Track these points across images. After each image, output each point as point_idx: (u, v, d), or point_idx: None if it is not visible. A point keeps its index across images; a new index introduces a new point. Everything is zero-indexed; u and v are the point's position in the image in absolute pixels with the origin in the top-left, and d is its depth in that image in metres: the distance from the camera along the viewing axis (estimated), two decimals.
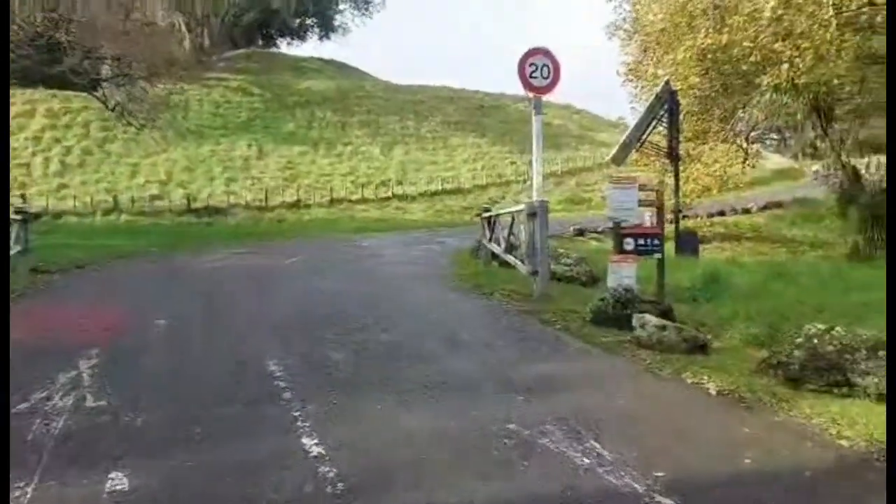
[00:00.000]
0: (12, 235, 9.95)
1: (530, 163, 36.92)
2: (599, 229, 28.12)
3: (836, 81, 17.49)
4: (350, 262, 13.96)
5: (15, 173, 35.59)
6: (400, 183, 41.69)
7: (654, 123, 15.19)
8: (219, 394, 4.77)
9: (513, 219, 10.14)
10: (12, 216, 10.33)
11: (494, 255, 12.02)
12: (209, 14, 59.20)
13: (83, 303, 8.90)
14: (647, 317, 6.46)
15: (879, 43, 18.12)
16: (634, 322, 6.46)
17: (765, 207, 36.32)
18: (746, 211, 35.35)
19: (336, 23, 71.23)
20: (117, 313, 7.86)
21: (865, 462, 3.79)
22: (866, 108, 19.35)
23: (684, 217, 29.92)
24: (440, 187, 41.56)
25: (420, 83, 61.00)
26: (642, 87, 25.83)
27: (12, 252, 9.84)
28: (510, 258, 10.19)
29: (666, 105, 14.27)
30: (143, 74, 36.54)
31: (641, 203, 9.18)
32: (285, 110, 50.15)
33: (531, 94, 9.10)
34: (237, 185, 37.99)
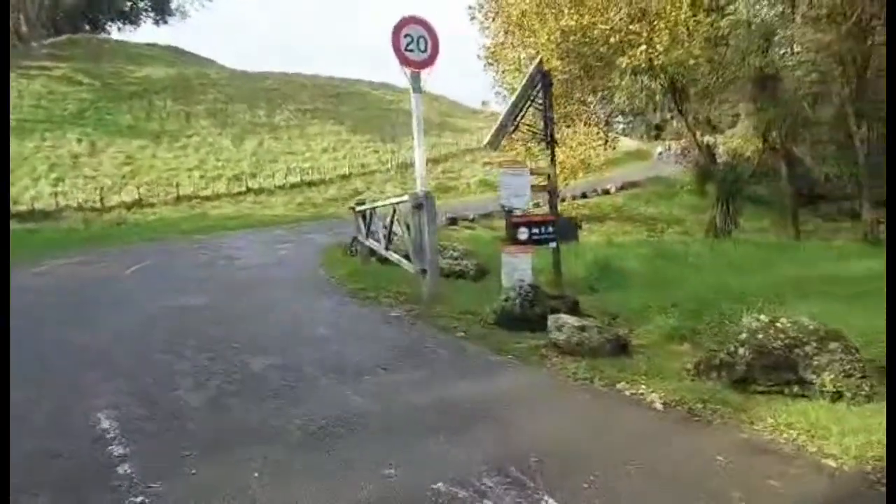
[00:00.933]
0: None
1: (393, 151, 35.99)
2: (471, 217, 27.76)
3: (691, 62, 17.99)
4: (204, 268, 12.24)
5: None
6: (255, 176, 39.11)
7: (527, 105, 14.63)
8: (26, 473, 3.34)
9: (394, 211, 9.06)
10: None
11: (373, 252, 10.90)
12: None
13: None
14: (564, 317, 5.67)
15: (727, 23, 18.94)
16: (550, 324, 5.65)
17: (622, 188, 37.75)
18: (606, 192, 36.54)
19: (173, 5, 66.14)
20: None
21: (866, 484, 3.18)
22: (715, 88, 20.22)
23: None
24: (300, 179, 39.49)
25: (268, 70, 58.04)
26: (503, 71, 25.61)
27: None
28: (392, 255, 9.13)
29: (539, 86, 13.72)
30: None
31: (534, 188, 8.49)
32: (120, 101, 45.56)
33: (408, 70, 8.03)
34: (67, 185, 33.79)
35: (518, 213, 8.02)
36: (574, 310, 6.68)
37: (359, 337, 6.21)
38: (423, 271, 7.97)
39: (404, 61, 7.97)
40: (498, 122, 16.50)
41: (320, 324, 6.71)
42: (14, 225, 27.00)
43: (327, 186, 40.07)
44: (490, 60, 25.67)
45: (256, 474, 3.30)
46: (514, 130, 17.79)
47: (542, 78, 13.64)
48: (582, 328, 5.47)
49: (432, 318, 6.86)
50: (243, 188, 37.11)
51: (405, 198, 8.50)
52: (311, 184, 39.84)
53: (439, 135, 53.69)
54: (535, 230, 7.95)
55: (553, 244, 8.23)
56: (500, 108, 28.78)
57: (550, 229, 8.09)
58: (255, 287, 9.62)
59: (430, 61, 8.18)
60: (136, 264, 12.88)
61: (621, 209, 35.18)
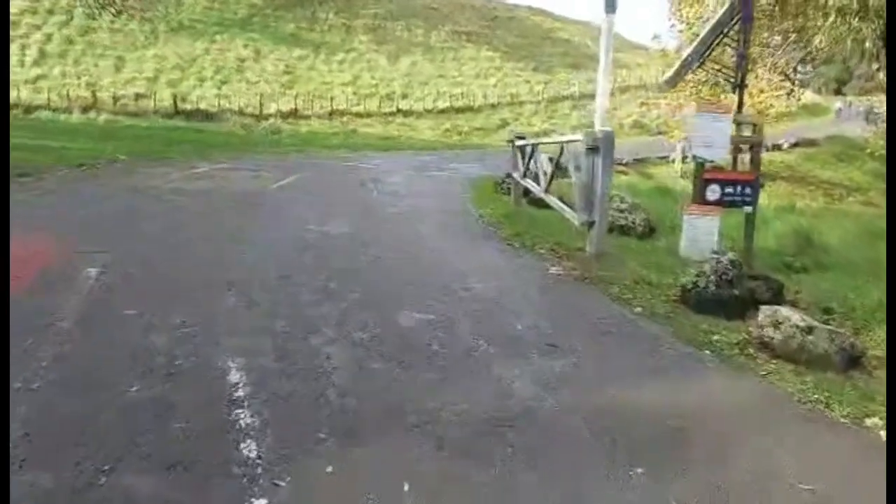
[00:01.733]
0: None
1: (545, 83, 34.16)
2: (623, 161, 25.86)
3: None
4: (352, 191, 11.81)
5: None
6: (405, 97, 38.87)
7: (719, 39, 12.72)
8: (126, 445, 2.81)
9: (561, 150, 7.98)
10: None
11: (526, 192, 9.93)
12: None
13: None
14: (784, 311, 4.48)
15: None
16: (763, 317, 4.49)
17: (795, 144, 33.86)
18: (777, 147, 32.88)
19: None
20: (35, 252, 5.85)
21: None
22: None
23: None
24: (449, 104, 38.78)
25: None
26: (682, 2, 23.01)
27: None
28: (552, 200, 8.10)
29: (737, 18, 11.78)
30: None
31: (735, 140, 7.10)
32: (286, 9, 46.49)
33: None
34: (230, 89, 35.14)
35: (709, 165, 6.73)
36: (778, 296, 5.43)
37: (517, 298, 5.35)
38: (590, 224, 6.92)
39: None
40: (683, 57, 14.65)
41: (473, 274, 5.91)
42: (180, 122, 28.48)
43: (475, 114, 39.13)
44: None
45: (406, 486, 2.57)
46: (698, 67, 15.85)
47: (745, 8, 11.69)
48: (808, 329, 4.28)
49: (601, 282, 5.86)
50: (393, 109, 36.99)
51: (578, 136, 7.38)
52: (459, 110, 39.07)
53: (594, 68, 50.69)
54: (729, 189, 6.65)
55: (748, 208, 6.88)
56: (669, 43, 26.22)
57: (748, 190, 6.74)
58: (404, 220, 8.97)
59: None
60: (286, 178, 12.69)
61: (794, 169, 31.61)
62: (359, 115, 35.70)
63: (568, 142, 7.93)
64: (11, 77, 30.85)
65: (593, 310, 5.15)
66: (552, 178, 8.33)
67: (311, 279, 5.38)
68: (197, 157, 16.41)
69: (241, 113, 32.17)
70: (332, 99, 35.70)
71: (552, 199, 8.11)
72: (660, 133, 43.01)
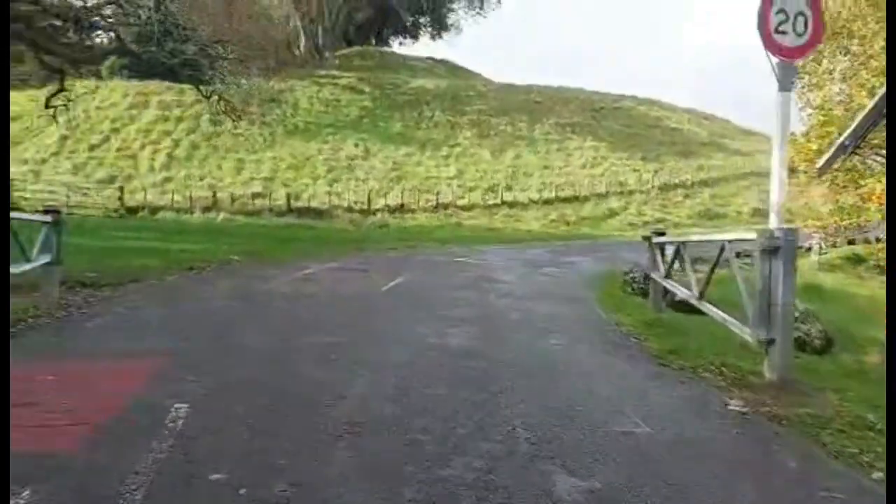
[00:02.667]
0: (38, 241, 7.62)
1: (655, 171, 32.82)
2: (747, 252, 23.74)
3: None
4: (466, 293, 10.95)
5: (122, 165, 35.45)
6: (510, 188, 38.58)
7: (876, 123, 11.31)
8: None
9: (721, 250, 6.76)
10: (38, 216, 8.05)
11: (665, 292, 8.68)
12: (325, 11, 58.83)
13: (103, 347, 6.38)
14: None
15: None
16: None
17: None
18: None
19: (449, 21, 69.14)
20: (114, 379, 5.22)
21: None
22: None
23: (852, 241, 25.20)
24: (554, 194, 38.08)
25: (533, 83, 57.67)
26: (806, 86, 21.47)
27: (38, 263, 7.52)
28: (712, 310, 6.82)
29: None
30: (259, 70, 35.71)
31: None
32: (394, 109, 48.27)
33: (776, 58, 5.72)
34: (341, 186, 36.13)
35: None
36: None
37: (703, 453, 4.09)
38: (769, 342, 5.59)
39: (772, 47, 5.68)
40: (837, 142, 13.20)
41: (632, 411, 4.71)
42: (292, 220, 29.20)
43: (581, 204, 38.16)
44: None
45: None
46: (853, 151, 14.28)
47: None
48: None
49: (803, 426, 4.50)
50: (498, 200, 36.69)
51: (747, 235, 6.19)
52: (564, 200, 38.26)
53: (709, 156, 48.94)
54: None
55: None
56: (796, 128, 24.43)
57: None
58: (529, 329, 7.91)
59: (807, 47, 5.79)
60: (395, 279, 12.05)
61: None
62: (464, 207, 35.59)
63: (732, 240, 6.71)
64: (143, 180, 33.17)
65: (812, 477, 3.81)
66: (708, 281, 7.07)
67: (439, 423, 4.36)
68: (307, 256, 16.23)
69: (350, 209, 32.79)
70: (437, 193, 35.90)
71: (710, 308, 6.83)
72: (789, 221, 40.35)
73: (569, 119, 50.19)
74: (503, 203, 36.47)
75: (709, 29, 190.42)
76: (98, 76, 47.76)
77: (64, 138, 36.64)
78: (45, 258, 7.74)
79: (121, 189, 28.41)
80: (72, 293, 8.64)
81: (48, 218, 7.79)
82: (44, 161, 34.25)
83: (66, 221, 8.63)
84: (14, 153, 35.16)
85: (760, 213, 40.29)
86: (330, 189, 35.37)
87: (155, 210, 28.48)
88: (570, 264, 16.92)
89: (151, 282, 10.35)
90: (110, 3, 21.25)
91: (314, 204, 32.91)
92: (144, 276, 10.66)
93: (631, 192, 40.35)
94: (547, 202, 37.40)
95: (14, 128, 37.74)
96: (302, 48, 58.00)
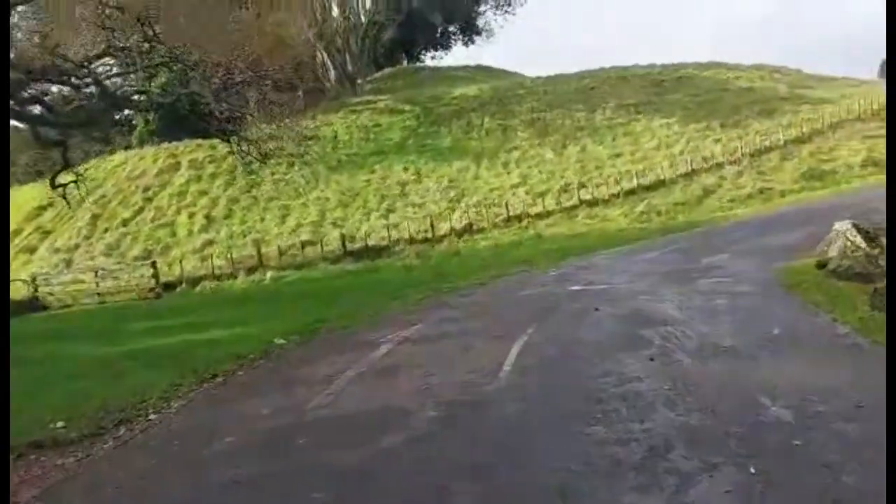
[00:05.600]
0: None
1: (740, 137, 27.62)
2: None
3: None
4: (630, 356, 6.88)
5: (160, 235, 32.76)
6: (584, 186, 34.12)
7: None
8: None
9: None
10: None
11: None
12: (350, 39, 56.04)
13: None
14: None
15: None
16: None
17: None
18: None
19: (480, 25, 65.47)
20: None
21: None
22: None
23: None
24: (636, 183, 33.43)
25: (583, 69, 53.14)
26: None
27: None
28: None
29: None
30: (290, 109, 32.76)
31: None
32: (439, 124, 44.62)
33: None
34: (397, 216, 32.51)
35: None
36: None
37: None
38: None
39: None
40: None
41: None
42: (349, 265, 25.65)
43: (669, 189, 33.35)
44: None
45: None
46: None
47: None
48: None
49: None
50: (575, 201, 32.32)
51: None
52: (648, 188, 33.54)
53: (794, 111, 43.22)
54: None
55: None
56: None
57: None
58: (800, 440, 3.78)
59: None
60: (508, 344, 8.05)
61: None
62: (538, 216, 31.38)
63: None
64: (183, 248, 30.33)
65: None
66: None
67: None
68: (374, 317, 12.42)
69: (412, 240, 29.06)
70: (505, 204, 31.81)
71: None
72: None
73: (630, 100, 45.43)
74: (581, 203, 32.08)
75: None
76: (128, 146, 46.07)
77: (95, 217, 34.31)
78: None
79: (153, 265, 25.43)
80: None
81: None
82: (77, 247, 31.82)
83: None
84: (47, 242, 33.07)
85: (874, 163, 34.72)
86: (387, 222, 31.77)
87: (196, 281, 25.34)
88: (718, 268, 12.59)
89: (149, 417, 6.66)
90: (101, 56, 18.22)
91: (372, 242, 29.32)
92: (138, 410, 6.99)
93: (720, 165, 35.31)
94: (630, 193, 32.78)
95: (47, 216, 35.79)
96: (332, 80, 55.26)
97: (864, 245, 12.69)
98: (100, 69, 19.60)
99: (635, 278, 12.76)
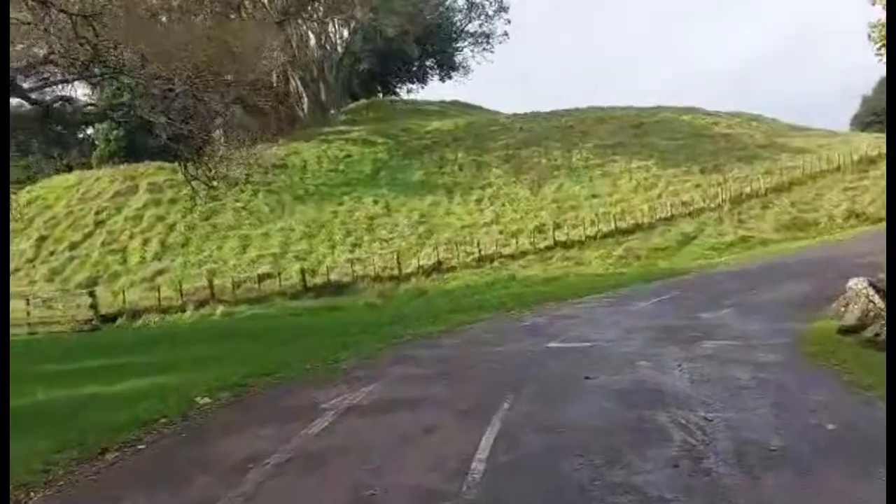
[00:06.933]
0: None
1: (719, 183, 25.91)
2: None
3: None
4: (620, 430, 5.22)
5: (109, 261, 30.40)
6: (559, 226, 32.73)
7: None
8: None
9: None
10: None
11: None
12: (325, 69, 54.71)
13: None
14: None
15: None
16: None
17: None
18: None
19: (457, 60, 64.73)
20: None
21: None
22: None
23: None
24: (614, 226, 32.16)
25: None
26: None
27: None
28: None
29: None
30: (261, 138, 31.06)
31: None
32: (412, 157, 43.20)
33: None
34: (363, 251, 30.69)
35: None
36: None
37: None
38: None
39: None
40: None
41: None
42: (309, 301, 23.69)
43: (647, 233, 32.12)
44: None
45: None
46: None
47: None
48: None
49: None
50: (549, 242, 30.86)
51: None
52: (625, 231, 32.28)
53: (774, 159, 42.69)
54: None
55: None
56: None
57: None
58: None
59: None
60: (478, 429, 6.26)
61: None
62: (511, 256, 29.81)
63: None
64: (132, 276, 28.06)
65: None
66: None
67: None
68: (323, 371, 10.52)
69: (377, 278, 27.23)
70: (477, 243, 30.19)
71: None
72: (881, 220, 33.99)
73: (608, 140, 44.60)
74: (556, 244, 30.62)
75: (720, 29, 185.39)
76: (87, 166, 43.85)
77: (42, 240, 31.84)
78: None
79: (91, 294, 23.15)
80: None
81: None
82: (16, 270, 29.26)
83: None
84: None
85: (855, 215, 34.05)
86: (351, 256, 29.94)
87: (138, 314, 23.09)
88: (726, 327, 10.99)
89: None
90: (45, 64, 16.32)
91: (334, 277, 27.40)
92: None
93: (701, 211, 34.27)
94: (607, 236, 31.47)
95: None
96: (305, 109, 53.72)
97: (882, 305, 11.26)
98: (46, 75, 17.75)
99: (626, 334, 11.10)
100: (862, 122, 61.79)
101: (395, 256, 28.51)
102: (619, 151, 43.30)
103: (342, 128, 49.28)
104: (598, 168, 41.23)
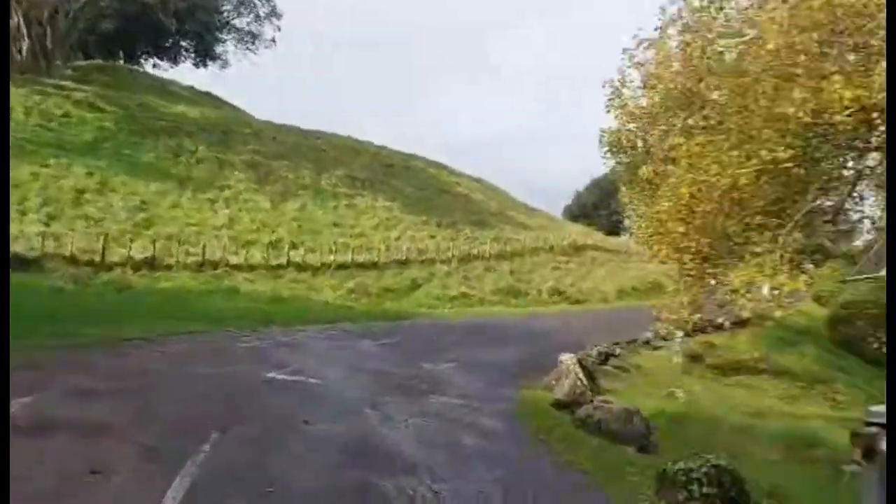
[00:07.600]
0: None
1: (452, 239, 27.51)
2: (614, 353, 19.21)
3: None
4: (340, 497, 4.29)
5: None
6: (296, 247, 31.43)
7: None
8: None
9: None
10: None
11: None
12: (55, 13, 46.94)
13: None
14: None
15: None
16: None
17: (737, 323, 29.59)
18: (719, 327, 28.37)
19: (217, 50, 60.45)
20: None
21: None
22: None
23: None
24: (351, 258, 31.79)
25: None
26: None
27: None
28: None
29: None
30: None
31: None
32: (145, 135, 38.57)
33: None
34: (61, 226, 26.08)
35: None
36: None
37: None
38: None
39: None
40: None
41: None
42: None
43: (381, 272, 32.30)
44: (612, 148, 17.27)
45: None
46: None
47: None
48: None
49: None
50: (283, 260, 29.33)
51: None
52: (361, 266, 32.09)
53: (501, 228, 46.51)
54: None
55: None
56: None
57: None
58: None
59: None
60: (176, 466, 4.89)
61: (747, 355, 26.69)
62: (238, 267, 27.63)
63: None
64: None
65: None
66: None
67: None
68: None
69: (73, 259, 23.13)
70: (203, 246, 27.49)
71: None
72: (578, 301, 38.60)
73: (359, 173, 44.69)
74: (290, 264, 29.21)
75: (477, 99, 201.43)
76: None
77: None
78: None
79: None
80: None
81: None
82: None
83: None
84: None
85: (558, 292, 38.12)
86: (45, 229, 25.15)
87: None
88: (449, 384, 10.78)
89: None
90: None
91: (19, 249, 22.63)
92: None
93: (432, 262, 35.56)
94: (342, 266, 30.89)
95: None
96: (24, 51, 45.34)
97: (587, 383, 12.04)
98: None
99: (351, 375, 10.31)
100: (572, 214, 70.25)
101: (102, 240, 24.59)
102: (367, 187, 43.56)
103: (66, 83, 42.50)
104: (346, 198, 40.91)
